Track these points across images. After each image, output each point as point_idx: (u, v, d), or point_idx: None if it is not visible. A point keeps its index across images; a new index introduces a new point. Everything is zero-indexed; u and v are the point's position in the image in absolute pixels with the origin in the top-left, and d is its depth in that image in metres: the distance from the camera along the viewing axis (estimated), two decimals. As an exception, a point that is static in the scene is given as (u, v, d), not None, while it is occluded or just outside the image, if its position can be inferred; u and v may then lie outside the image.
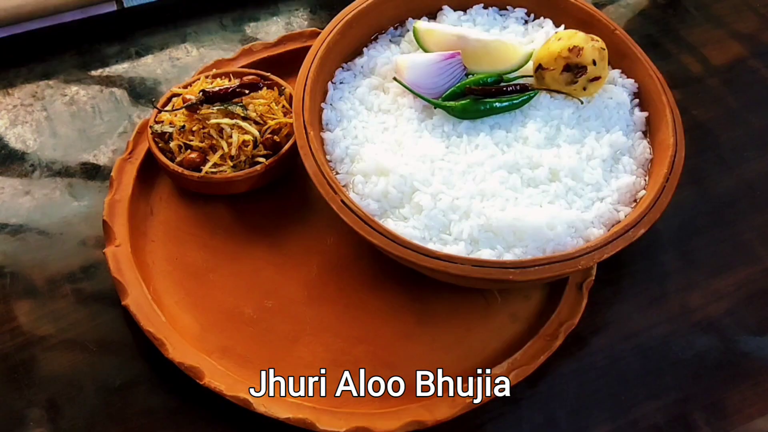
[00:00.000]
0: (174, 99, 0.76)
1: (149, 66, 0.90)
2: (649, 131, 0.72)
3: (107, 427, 0.63)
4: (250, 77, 0.77)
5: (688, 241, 0.78)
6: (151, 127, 0.74)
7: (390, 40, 0.78)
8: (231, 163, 0.72)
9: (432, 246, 0.63)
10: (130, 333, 0.67)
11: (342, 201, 0.63)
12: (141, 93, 0.87)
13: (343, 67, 0.76)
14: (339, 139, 0.70)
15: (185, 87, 0.77)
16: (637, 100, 0.74)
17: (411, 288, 0.70)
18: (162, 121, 0.74)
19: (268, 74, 0.78)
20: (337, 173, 0.68)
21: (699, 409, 0.67)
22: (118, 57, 0.90)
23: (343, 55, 0.76)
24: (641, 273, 0.75)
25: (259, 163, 0.72)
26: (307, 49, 0.73)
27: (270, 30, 0.95)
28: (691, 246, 0.78)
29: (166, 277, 0.71)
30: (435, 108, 0.71)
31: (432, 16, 0.79)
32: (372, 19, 0.77)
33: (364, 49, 0.77)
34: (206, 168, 0.71)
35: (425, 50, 0.74)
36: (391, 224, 0.65)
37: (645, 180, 0.69)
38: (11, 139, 0.82)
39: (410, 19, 0.78)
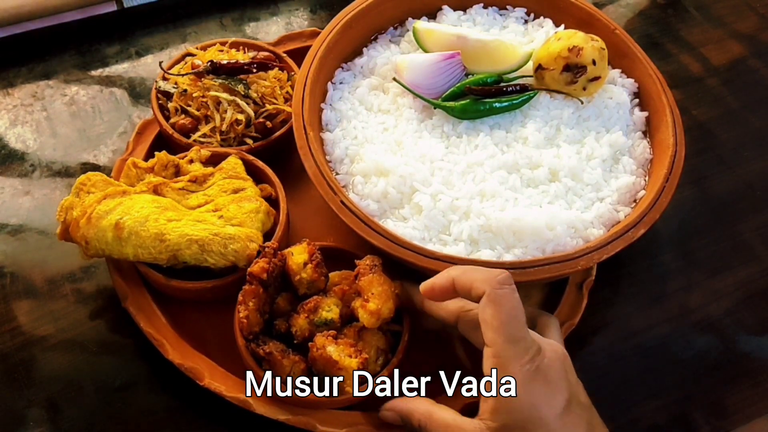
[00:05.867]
0: (188, 58, 0.78)
1: (149, 66, 0.90)
2: (649, 131, 0.72)
3: (107, 427, 0.63)
4: (265, 53, 0.78)
5: (688, 241, 0.78)
6: (156, 82, 0.75)
7: (390, 40, 0.78)
8: (219, 138, 0.73)
9: (432, 247, 0.63)
10: (130, 333, 0.67)
11: (341, 201, 0.63)
12: (141, 93, 0.87)
13: (342, 67, 0.76)
14: (339, 140, 0.70)
15: (203, 49, 0.79)
16: (637, 100, 0.74)
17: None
18: (168, 79, 0.76)
19: (283, 55, 0.79)
20: (337, 174, 0.68)
21: (699, 409, 0.67)
22: (118, 57, 0.90)
23: (343, 55, 0.76)
24: (641, 273, 0.75)
25: (246, 144, 0.73)
26: (307, 49, 0.73)
27: (270, 30, 0.95)
28: (691, 246, 0.78)
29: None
30: (435, 108, 0.71)
31: (432, 16, 0.79)
32: (372, 19, 0.77)
33: (364, 49, 0.77)
34: (195, 136, 0.72)
35: (425, 50, 0.74)
36: (391, 225, 0.65)
37: (645, 180, 0.69)
38: (11, 139, 0.82)
39: (410, 19, 0.78)
